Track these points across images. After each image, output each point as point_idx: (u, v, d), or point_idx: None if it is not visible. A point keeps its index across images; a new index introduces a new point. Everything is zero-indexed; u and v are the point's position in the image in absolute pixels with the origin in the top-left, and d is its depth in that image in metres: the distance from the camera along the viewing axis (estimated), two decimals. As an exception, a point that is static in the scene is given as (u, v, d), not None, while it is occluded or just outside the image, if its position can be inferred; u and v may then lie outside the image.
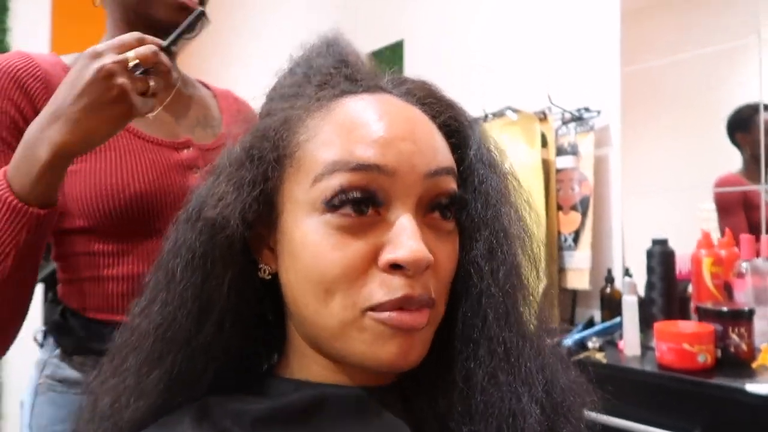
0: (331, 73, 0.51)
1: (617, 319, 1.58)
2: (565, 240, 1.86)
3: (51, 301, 0.95)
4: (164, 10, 0.83)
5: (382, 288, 0.44)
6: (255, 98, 0.57)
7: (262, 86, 0.56)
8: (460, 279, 0.49)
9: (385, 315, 0.44)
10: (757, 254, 1.45)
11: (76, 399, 0.83)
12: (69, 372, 0.85)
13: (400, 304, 0.44)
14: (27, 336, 0.84)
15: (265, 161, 0.48)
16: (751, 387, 1.05)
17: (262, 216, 0.48)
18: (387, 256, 0.44)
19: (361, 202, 0.44)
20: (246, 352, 0.54)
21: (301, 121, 0.48)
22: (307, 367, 0.51)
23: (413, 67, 2.42)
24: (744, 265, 1.42)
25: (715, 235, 1.57)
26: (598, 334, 1.56)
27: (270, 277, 0.51)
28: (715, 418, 1.11)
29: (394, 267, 0.44)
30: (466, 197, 0.50)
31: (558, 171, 1.89)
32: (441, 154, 0.48)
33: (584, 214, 1.84)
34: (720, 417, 1.10)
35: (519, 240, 0.51)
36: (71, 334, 0.85)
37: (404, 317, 0.44)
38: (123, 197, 0.80)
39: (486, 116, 2.00)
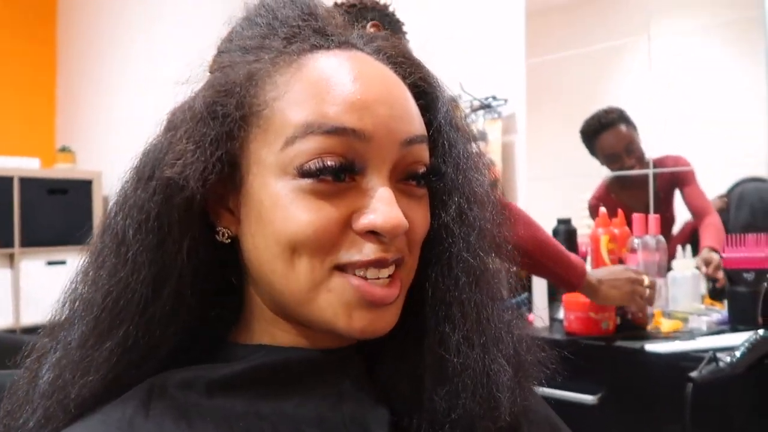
0: (299, 25, 0.47)
1: (524, 295, 1.68)
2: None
3: None
4: None
5: (353, 249, 0.44)
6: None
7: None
8: (430, 243, 0.49)
9: (354, 282, 0.43)
10: (646, 232, 1.59)
11: None
12: None
13: (371, 265, 0.44)
14: None
15: (230, 119, 0.44)
16: (650, 347, 1.16)
17: (223, 177, 0.45)
18: (363, 221, 0.43)
19: (338, 169, 0.43)
20: (203, 319, 0.50)
21: (269, 76, 0.45)
22: (269, 332, 0.49)
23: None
24: (636, 242, 1.56)
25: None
26: (508, 309, 1.65)
27: (229, 240, 0.48)
28: (618, 378, 1.22)
29: (370, 233, 0.43)
30: (441, 168, 0.49)
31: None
32: (416, 120, 0.47)
33: (493, 198, 1.93)
34: (622, 376, 1.21)
35: (487, 204, 0.51)
36: None
37: (375, 290, 0.44)
38: None
39: (399, 102, 2.05)
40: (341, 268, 0.44)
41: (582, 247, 1.68)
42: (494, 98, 1.94)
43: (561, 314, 1.40)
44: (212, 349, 0.50)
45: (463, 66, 2.04)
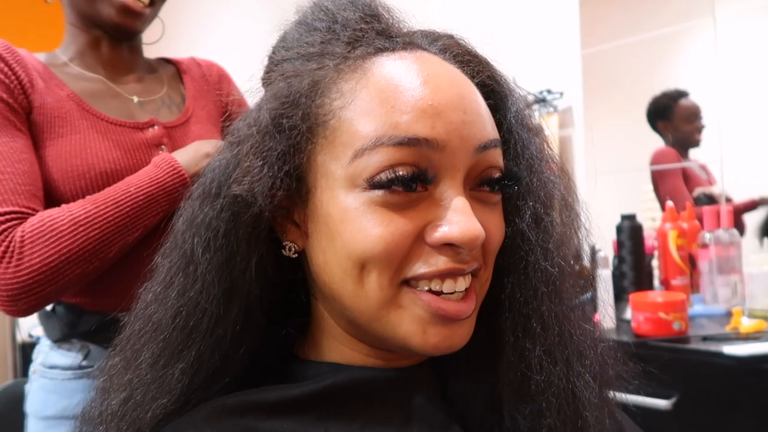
0: (362, 28, 0.46)
1: (587, 295, 1.62)
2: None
3: None
4: (109, 10, 0.88)
5: (425, 263, 0.42)
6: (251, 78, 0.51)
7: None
8: (505, 251, 0.46)
9: (425, 298, 0.42)
10: (718, 225, 1.51)
11: (67, 383, 0.85)
12: (57, 359, 0.87)
13: (440, 276, 0.42)
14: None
15: (297, 132, 0.43)
16: (728, 349, 1.10)
17: (290, 191, 0.44)
18: (438, 234, 0.41)
19: (410, 179, 0.41)
20: (272, 336, 0.50)
21: (334, 83, 0.43)
22: (339, 350, 0.48)
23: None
24: (707, 236, 1.48)
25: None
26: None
27: (296, 255, 0.47)
28: (693, 382, 1.15)
29: (446, 245, 0.41)
30: (519, 172, 0.46)
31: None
32: (489, 124, 0.45)
33: (550, 194, 1.87)
34: (699, 380, 1.14)
35: (563, 207, 0.49)
36: (55, 321, 0.86)
37: (448, 306, 0.42)
38: (89, 177, 0.81)
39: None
40: (409, 282, 0.42)
41: (648, 242, 1.61)
42: (549, 92, 1.88)
43: (628, 314, 1.34)
44: (281, 365, 0.50)
45: (516, 59, 1.98)
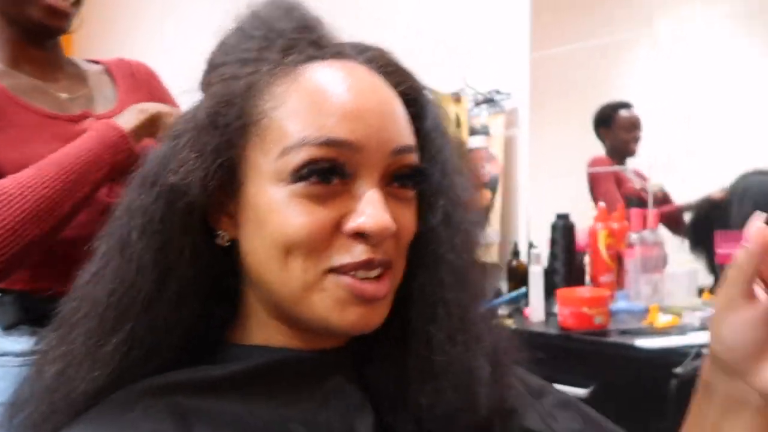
0: (296, 37, 0.50)
1: (522, 289, 1.70)
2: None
3: None
4: (36, 12, 0.89)
5: (344, 252, 0.46)
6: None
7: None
8: (417, 245, 0.51)
9: (347, 281, 0.46)
10: (644, 226, 1.61)
11: (19, 370, 0.85)
12: (9, 345, 0.88)
13: (361, 267, 0.46)
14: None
15: (231, 128, 0.47)
16: (640, 342, 1.19)
17: (223, 183, 0.48)
18: (352, 224, 0.45)
19: (328, 172, 0.45)
20: (203, 320, 0.52)
21: (267, 87, 0.47)
22: (265, 332, 0.52)
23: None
24: (633, 237, 1.58)
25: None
26: (506, 303, 1.68)
27: (228, 244, 0.50)
28: (609, 372, 1.24)
29: (359, 235, 0.46)
30: (427, 170, 0.51)
31: (470, 150, 1.98)
32: (406, 130, 0.49)
33: (493, 192, 1.95)
34: (613, 371, 1.23)
35: (471, 207, 0.53)
36: (5, 309, 0.87)
37: (365, 287, 0.46)
38: None
39: (403, 95, 2.06)
40: (333, 271, 0.46)
41: (582, 242, 1.70)
42: (498, 92, 1.95)
43: (557, 309, 1.42)
44: (211, 349, 0.53)
45: (467, 59, 2.05)
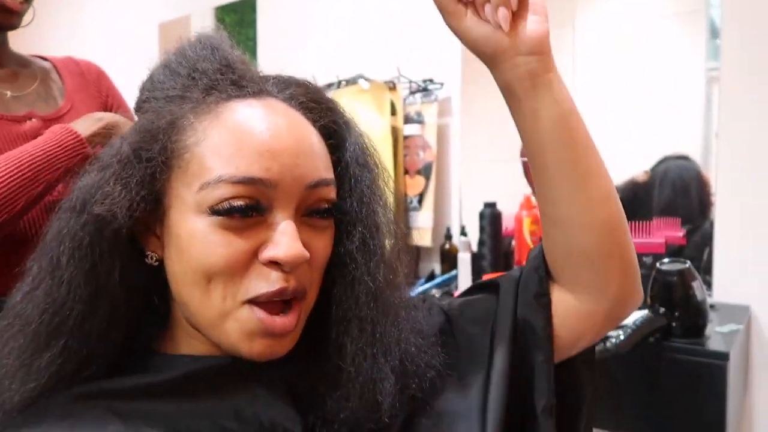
0: (218, 78, 0.53)
1: (454, 272, 1.79)
2: (411, 202, 2.03)
3: None
4: None
5: (260, 280, 0.49)
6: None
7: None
8: (335, 266, 0.55)
9: (259, 315, 0.50)
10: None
11: None
12: None
13: (275, 296, 0.50)
14: None
15: (154, 162, 0.49)
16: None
17: (149, 210, 0.51)
18: (268, 253, 0.49)
19: (245, 209, 0.49)
20: (134, 331, 0.55)
21: (190, 123, 0.50)
22: (189, 343, 0.55)
23: (266, 29, 2.41)
24: (555, 224, 1.69)
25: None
26: (438, 285, 1.76)
27: (157, 263, 0.53)
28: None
29: (274, 263, 0.49)
30: (344, 206, 0.55)
31: (405, 138, 2.04)
32: (322, 165, 0.53)
33: (428, 178, 2.02)
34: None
35: (388, 232, 0.57)
36: None
37: (275, 323, 0.50)
38: None
39: (339, 83, 2.08)
40: (250, 302, 0.50)
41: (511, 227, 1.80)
42: (431, 81, 2.01)
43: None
44: (141, 359, 0.56)
45: (402, 49, 2.09)
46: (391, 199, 0.61)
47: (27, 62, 1.02)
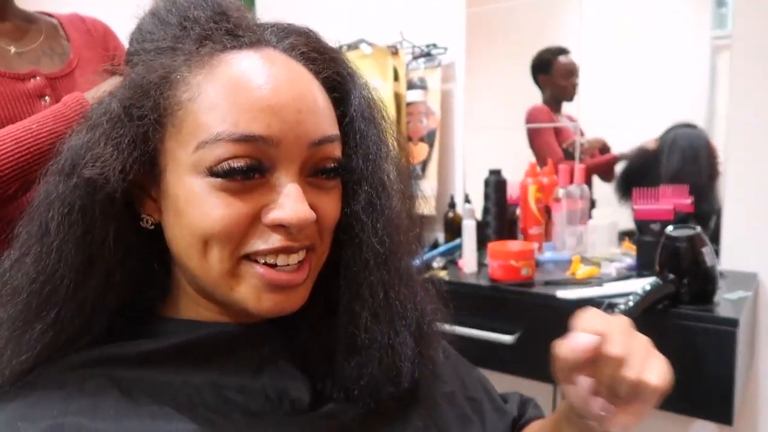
0: (212, 27, 0.48)
1: (458, 241, 1.77)
2: (414, 170, 2.00)
3: None
4: None
5: (261, 240, 0.47)
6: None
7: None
8: (343, 228, 0.53)
9: (260, 270, 0.47)
10: (571, 181, 1.69)
11: None
12: None
13: (278, 252, 0.47)
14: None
15: (146, 121, 0.46)
16: (561, 293, 1.28)
17: (144, 171, 0.48)
18: (272, 215, 0.46)
19: (247, 170, 0.45)
20: (133, 297, 0.53)
21: (183, 78, 0.47)
22: (193, 308, 0.53)
23: (266, -9, 2.34)
24: (561, 191, 1.66)
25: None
26: (441, 254, 1.75)
27: (153, 227, 0.51)
28: (533, 320, 1.33)
29: (278, 226, 0.47)
30: (350, 164, 0.52)
31: (408, 104, 2.00)
32: (326, 121, 0.49)
33: (431, 146, 1.98)
34: (537, 319, 1.33)
35: (396, 191, 0.54)
36: None
37: (280, 276, 0.47)
38: None
39: (341, 47, 2.03)
40: (249, 257, 0.48)
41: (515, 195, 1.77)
42: (435, 46, 1.96)
43: (488, 261, 1.50)
44: (143, 323, 0.54)
45: (405, 14, 2.03)
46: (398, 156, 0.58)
47: (33, 18, 0.98)
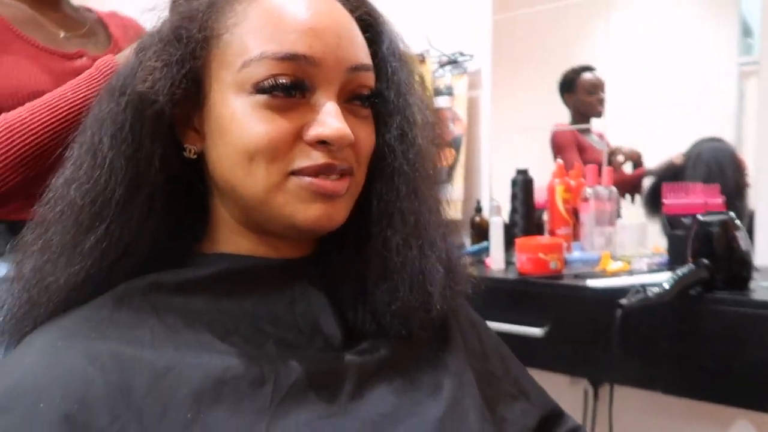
0: None
1: (484, 243, 1.77)
2: (441, 173, 2.01)
3: None
4: None
5: (304, 157, 0.50)
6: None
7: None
8: (375, 159, 0.55)
9: (307, 180, 0.49)
10: (599, 182, 1.68)
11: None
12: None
13: (321, 170, 0.50)
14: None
15: (193, 41, 0.50)
16: (592, 283, 1.26)
17: (188, 94, 0.51)
18: (314, 131, 0.49)
19: (289, 87, 0.49)
20: (172, 230, 0.55)
21: (229, 4, 0.51)
22: (231, 240, 0.55)
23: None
24: (588, 191, 1.66)
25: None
26: (468, 255, 1.74)
27: (195, 157, 0.53)
28: (563, 313, 1.32)
29: (320, 143, 0.49)
30: (383, 91, 0.55)
31: (436, 109, 2.02)
32: (362, 50, 0.53)
33: (458, 151, 2.00)
34: (567, 311, 1.31)
35: (424, 126, 0.57)
36: None
37: (326, 183, 0.50)
38: (17, 98, 0.83)
39: (369, 56, 2.08)
40: (294, 173, 0.50)
41: (541, 200, 1.77)
42: (461, 54, 1.99)
43: (515, 257, 1.49)
44: (181, 258, 0.56)
45: (432, 21, 2.08)
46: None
47: (77, 9, 1.06)
